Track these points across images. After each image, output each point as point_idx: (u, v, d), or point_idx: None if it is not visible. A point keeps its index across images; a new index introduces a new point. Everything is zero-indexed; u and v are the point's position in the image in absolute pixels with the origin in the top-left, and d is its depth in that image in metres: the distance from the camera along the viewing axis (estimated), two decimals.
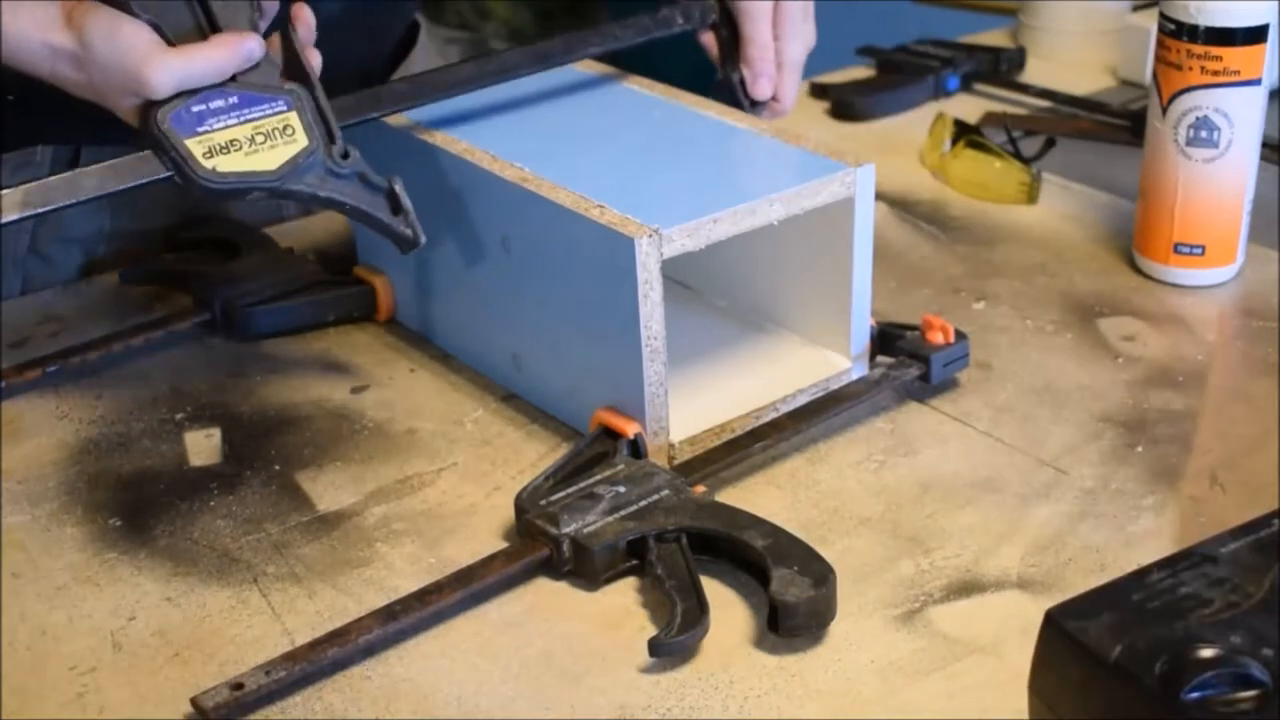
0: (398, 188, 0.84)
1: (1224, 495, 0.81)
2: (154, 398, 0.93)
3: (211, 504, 0.83)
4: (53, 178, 0.83)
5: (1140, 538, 0.78)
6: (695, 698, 0.68)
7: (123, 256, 1.10)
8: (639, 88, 0.99)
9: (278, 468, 0.86)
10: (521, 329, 0.89)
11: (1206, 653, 0.54)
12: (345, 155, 0.83)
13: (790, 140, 0.89)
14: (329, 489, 0.84)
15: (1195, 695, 0.53)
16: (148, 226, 1.10)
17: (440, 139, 0.90)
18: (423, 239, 0.85)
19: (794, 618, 0.70)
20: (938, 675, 0.69)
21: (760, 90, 1.01)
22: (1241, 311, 1.00)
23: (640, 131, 0.92)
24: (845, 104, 1.35)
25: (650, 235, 0.78)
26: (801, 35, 1.02)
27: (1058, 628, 0.57)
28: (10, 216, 0.81)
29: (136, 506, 0.83)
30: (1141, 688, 0.54)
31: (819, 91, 1.39)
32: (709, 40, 1.03)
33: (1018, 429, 0.87)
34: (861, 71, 1.44)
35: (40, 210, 0.82)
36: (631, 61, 1.04)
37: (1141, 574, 0.59)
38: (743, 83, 1.01)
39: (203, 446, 0.88)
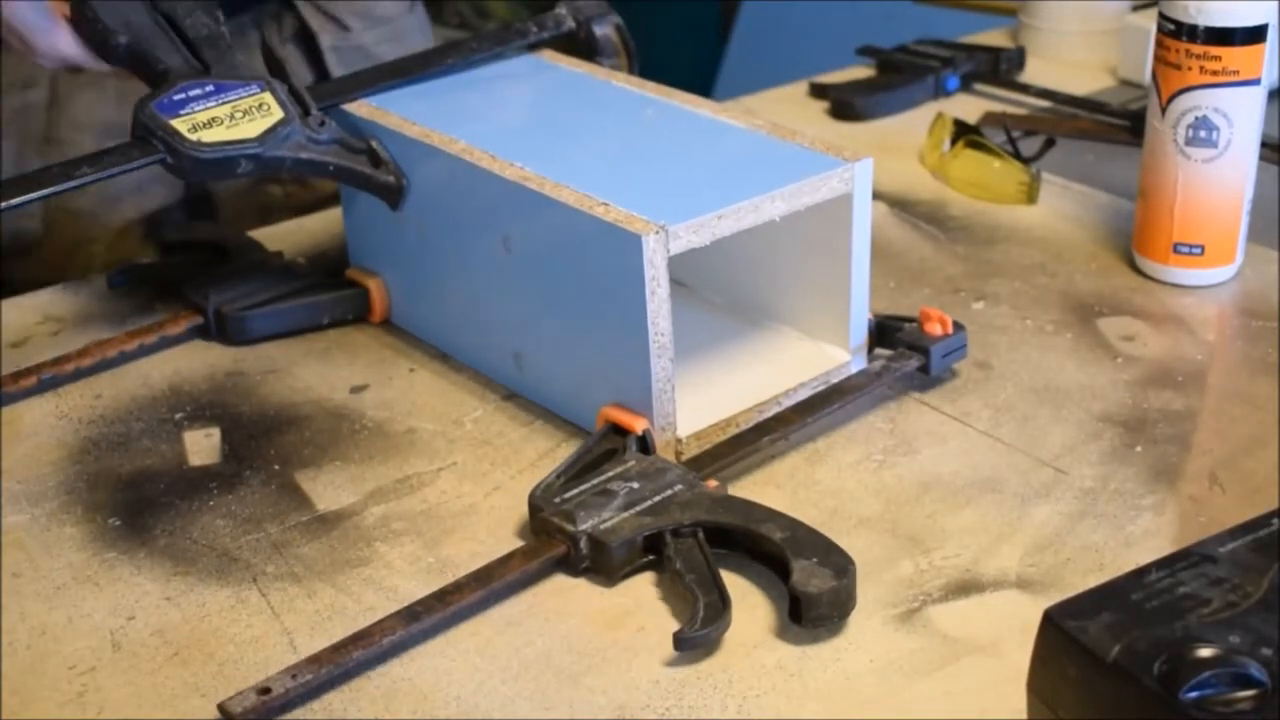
0: (375, 144, 0.91)
1: (1223, 495, 0.81)
2: (153, 397, 0.93)
3: (211, 504, 0.83)
4: (50, 166, 0.88)
5: (1139, 537, 0.78)
6: (694, 697, 0.68)
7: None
8: (635, 86, 0.99)
9: (277, 467, 0.86)
10: (523, 328, 0.89)
11: (1205, 652, 0.54)
12: (322, 124, 0.90)
13: (785, 136, 0.89)
14: (328, 489, 0.84)
15: (1194, 695, 0.53)
16: None
17: (439, 139, 0.90)
18: (405, 182, 0.91)
19: (817, 608, 0.70)
20: (937, 675, 0.69)
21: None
22: (1241, 311, 1.00)
23: (637, 130, 0.92)
24: (845, 104, 1.35)
25: (657, 232, 0.78)
26: None
27: (1056, 627, 0.57)
28: (11, 202, 0.86)
29: (136, 506, 0.83)
30: (1140, 687, 0.54)
31: (819, 91, 1.39)
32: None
33: (1017, 429, 0.87)
34: (861, 71, 1.44)
35: (38, 195, 0.87)
36: None
37: (1140, 574, 0.59)
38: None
39: (202, 446, 0.88)
